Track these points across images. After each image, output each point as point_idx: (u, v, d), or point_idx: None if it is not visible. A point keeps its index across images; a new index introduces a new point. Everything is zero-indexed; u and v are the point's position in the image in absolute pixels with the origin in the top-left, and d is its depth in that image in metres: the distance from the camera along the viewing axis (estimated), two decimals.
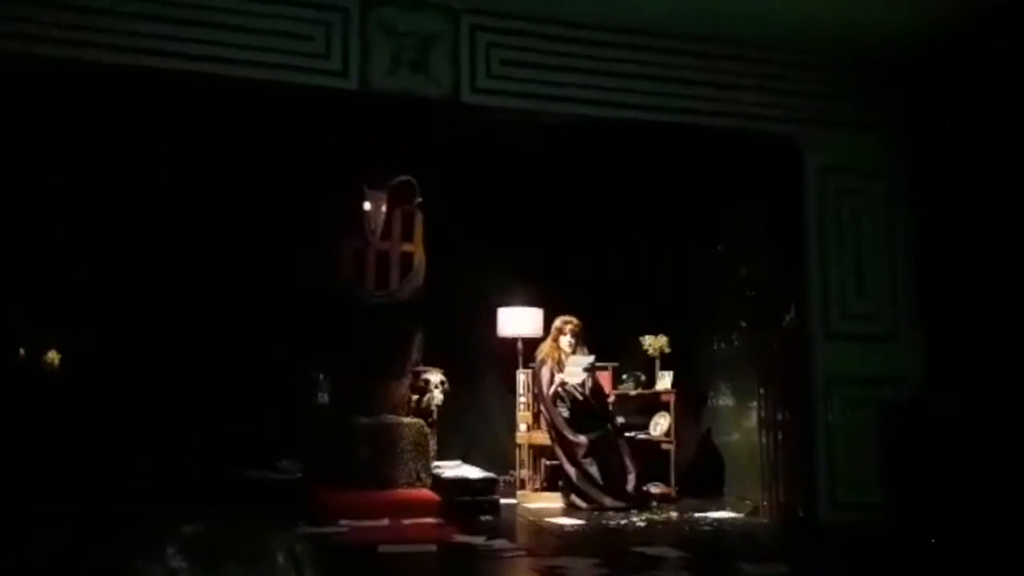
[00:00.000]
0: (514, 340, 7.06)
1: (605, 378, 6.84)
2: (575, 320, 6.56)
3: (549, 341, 6.62)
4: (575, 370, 6.46)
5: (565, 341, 6.56)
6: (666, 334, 6.87)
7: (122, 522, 4.21)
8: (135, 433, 5.79)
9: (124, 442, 5.67)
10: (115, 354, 6.13)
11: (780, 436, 5.75)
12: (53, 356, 6.57)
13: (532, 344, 6.99)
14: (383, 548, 4.68)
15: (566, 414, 6.43)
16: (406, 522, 5.47)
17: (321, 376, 6.30)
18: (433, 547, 4.88)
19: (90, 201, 6.06)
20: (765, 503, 5.86)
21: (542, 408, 6.54)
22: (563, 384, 6.43)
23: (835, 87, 5.54)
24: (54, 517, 4.64)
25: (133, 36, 4.42)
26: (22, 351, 6.13)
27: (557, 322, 6.60)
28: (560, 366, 6.54)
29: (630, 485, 6.26)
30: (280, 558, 0.91)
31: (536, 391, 6.64)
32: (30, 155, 5.55)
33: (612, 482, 6.24)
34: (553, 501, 6.40)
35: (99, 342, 6.14)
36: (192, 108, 5.40)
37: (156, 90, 4.97)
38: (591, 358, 6.54)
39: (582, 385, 6.45)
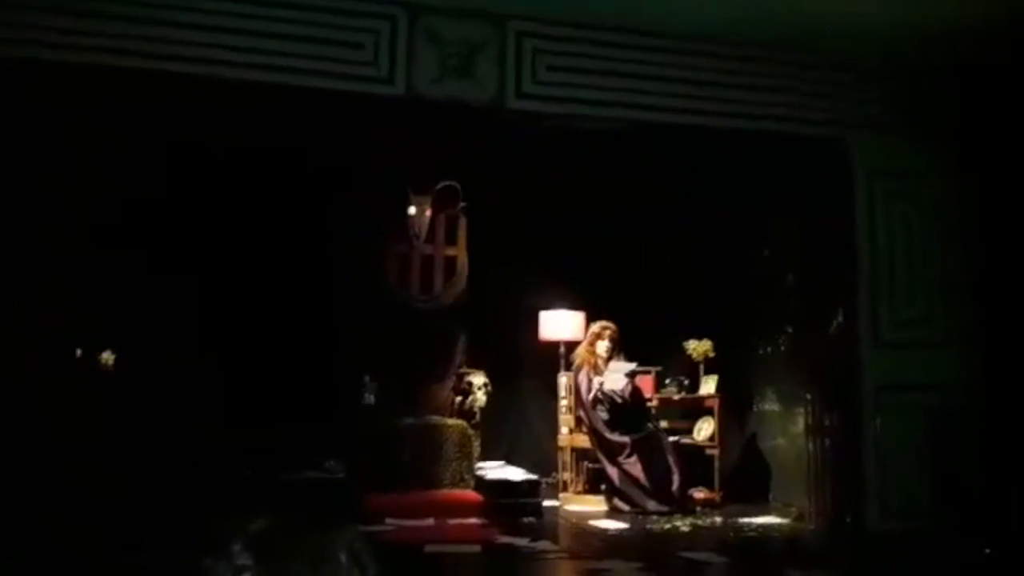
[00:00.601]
0: (556, 343, 7.08)
1: (647, 382, 6.81)
2: (612, 325, 6.52)
3: (585, 345, 6.59)
4: (616, 376, 6.44)
5: (602, 346, 6.52)
6: (710, 338, 6.83)
7: (185, 521, 4.34)
8: (185, 433, 5.93)
9: (174, 442, 5.81)
10: (166, 355, 6.29)
11: (827, 442, 5.68)
12: (108, 356, 6.76)
13: (573, 347, 6.99)
14: (429, 547, 4.74)
15: (606, 416, 6.42)
16: (451, 522, 5.53)
17: (367, 377, 6.38)
18: (478, 548, 4.93)
19: (144, 206, 6.22)
20: (811, 509, 5.79)
21: (582, 413, 6.54)
22: (602, 387, 6.41)
23: (886, 90, 5.46)
24: (115, 514, 4.78)
25: (184, 45, 4.52)
26: (79, 351, 6.31)
27: (595, 327, 6.58)
28: (597, 370, 6.52)
29: (674, 486, 6.22)
30: (342, 556, 0.94)
31: (575, 395, 6.61)
32: (83, 160, 5.71)
33: (656, 484, 6.22)
34: (596, 504, 6.40)
35: (151, 343, 6.30)
36: (241, 115, 5.52)
37: (205, 97, 5.09)
38: (632, 365, 6.50)
39: (622, 390, 6.43)
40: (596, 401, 6.45)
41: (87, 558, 4.05)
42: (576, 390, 6.58)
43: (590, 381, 6.49)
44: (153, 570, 3.62)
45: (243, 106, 5.24)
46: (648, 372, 6.80)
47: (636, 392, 6.49)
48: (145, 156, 5.91)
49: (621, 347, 6.58)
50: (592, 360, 6.54)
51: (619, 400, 6.41)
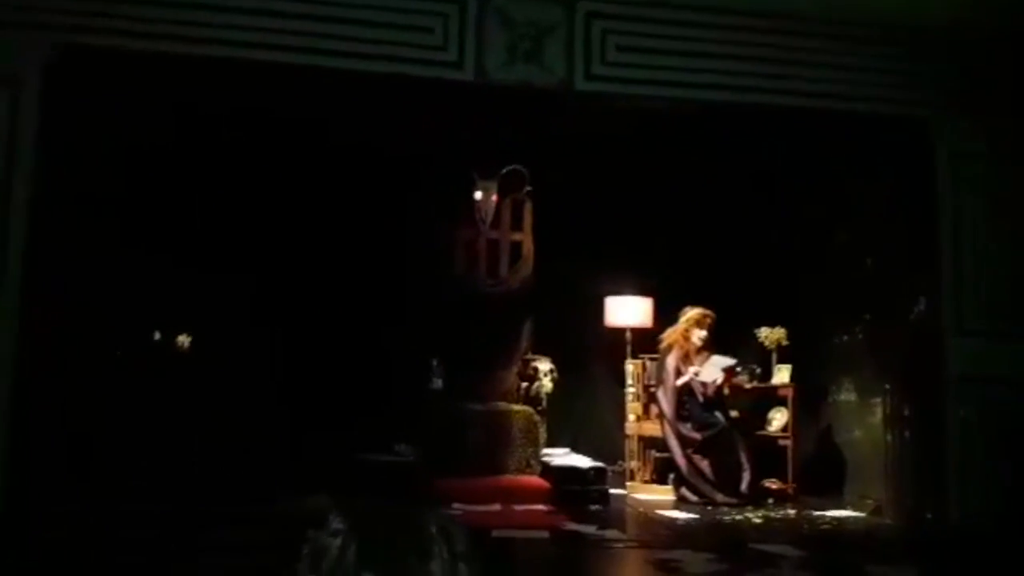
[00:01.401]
0: (623, 330, 6.99)
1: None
2: (712, 314, 6.30)
3: (679, 330, 6.38)
4: (713, 369, 6.27)
5: (699, 335, 6.33)
6: (784, 326, 6.64)
7: (267, 500, 4.45)
8: (259, 417, 6.05)
9: (249, 425, 5.93)
10: (242, 340, 6.42)
11: (907, 434, 5.49)
12: (183, 339, 6.94)
13: (640, 334, 6.90)
14: (496, 532, 4.73)
15: (686, 408, 6.30)
16: (517, 508, 5.53)
17: (435, 363, 6.42)
18: (545, 534, 4.92)
19: (220, 195, 6.35)
20: (889, 503, 5.61)
21: (659, 395, 6.38)
22: (696, 376, 6.26)
23: (971, 70, 5.18)
24: (201, 492, 4.92)
25: (254, 32, 4.59)
26: (157, 334, 6.50)
27: (693, 313, 6.34)
28: (688, 358, 6.36)
29: (744, 484, 6.09)
30: (432, 527, 0.94)
31: (658, 378, 6.47)
32: (158, 151, 5.84)
33: (725, 479, 6.10)
34: (663, 493, 6.32)
35: (229, 329, 6.45)
36: (311, 101, 5.58)
37: (274, 85, 5.16)
38: (732, 361, 6.32)
39: (710, 384, 6.28)
40: (683, 390, 6.31)
41: (183, 531, 4.17)
42: (661, 372, 6.42)
43: (678, 367, 6.33)
44: (249, 543, 3.70)
45: (313, 92, 5.30)
46: (744, 371, 6.60)
47: (718, 388, 6.34)
48: (220, 145, 6.01)
49: (713, 337, 6.39)
50: (685, 346, 6.37)
51: (700, 395, 6.28)
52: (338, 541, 0.92)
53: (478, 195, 6.67)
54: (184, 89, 5.11)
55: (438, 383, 6.42)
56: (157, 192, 5.94)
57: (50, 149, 4.43)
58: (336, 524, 0.94)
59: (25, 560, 3.35)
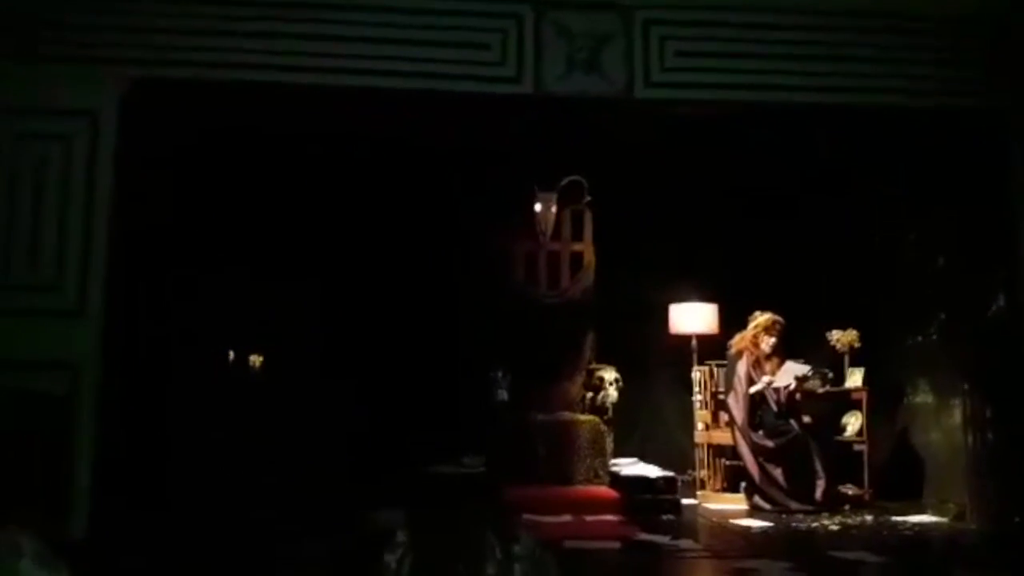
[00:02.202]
0: (687, 337, 6.93)
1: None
2: (781, 320, 6.22)
3: (748, 336, 6.31)
4: (787, 376, 6.18)
5: (769, 341, 6.25)
6: (856, 328, 6.49)
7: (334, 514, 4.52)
8: (328, 430, 6.17)
9: (319, 441, 6.05)
10: (307, 354, 6.56)
11: (990, 435, 5.30)
12: (256, 359, 7.13)
13: (706, 341, 6.83)
14: (568, 543, 4.72)
15: (758, 416, 6.20)
16: (588, 519, 5.51)
17: (500, 374, 6.46)
18: (617, 544, 4.88)
19: (287, 213, 6.52)
20: (972, 508, 5.42)
21: (730, 402, 6.31)
22: (770, 385, 6.17)
23: None
24: (270, 508, 5.04)
25: (315, 57, 4.71)
26: (232, 354, 6.69)
27: (763, 319, 6.27)
28: (759, 365, 6.28)
29: (819, 492, 5.97)
30: (489, 535, 0.95)
31: (727, 386, 6.39)
32: (229, 174, 6.03)
33: (798, 486, 5.98)
34: (735, 502, 6.23)
35: (294, 344, 6.60)
36: (372, 120, 5.69)
37: (338, 107, 5.28)
38: (807, 368, 6.21)
39: (783, 390, 6.18)
40: (756, 398, 6.22)
41: (247, 549, 4.27)
42: (731, 379, 6.34)
43: (753, 375, 6.25)
44: (313, 560, 3.77)
45: (374, 112, 5.40)
46: (815, 376, 6.47)
47: (791, 395, 6.23)
48: (286, 166, 6.18)
49: (784, 342, 6.30)
50: (756, 352, 6.29)
51: (773, 403, 6.18)
52: (409, 558, 0.94)
53: (538, 207, 6.72)
54: (255, 114, 5.27)
55: (503, 394, 6.46)
56: (228, 213, 6.12)
57: (127, 177, 4.61)
58: (404, 539, 0.96)
59: None
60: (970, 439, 5.48)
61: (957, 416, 5.72)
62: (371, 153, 6.31)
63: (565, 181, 6.63)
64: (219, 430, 5.76)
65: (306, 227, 6.62)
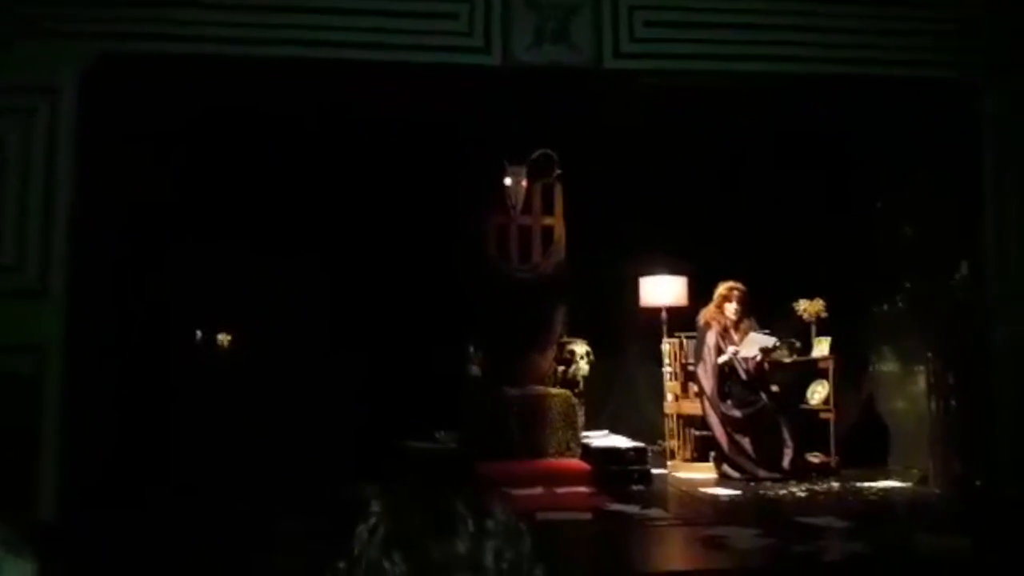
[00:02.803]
0: (657, 309, 6.97)
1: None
2: (739, 286, 6.29)
3: (712, 307, 6.38)
4: (752, 347, 6.25)
5: (731, 308, 6.31)
6: (822, 297, 6.57)
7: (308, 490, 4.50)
8: (299, 405, 6.13)
9: (289, 415, 6.02)
10: (278, 330, 6.50)
11: (953, 402, 5.41)
12: (224, 338, 7.05)
13: (676, 313, 6.88)
14: (540, 515, 4.76)
15: (727, 386, 6.28)
16: (559, 491, 5.55)
17: (472, 349, 6.45)
18: (588, 515, 4.93)
19: (255, 189, 6.42)
20: (935, 473, 5.55)
21: (699, 373, 6.37)
22: (736, 354, 6.24)
23: (1017, 27, 5.05)
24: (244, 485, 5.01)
25: (279, 29, 4.62)
26: (199, 333, 6.60)
27: (721, 288, 6.35)
28: (728, 335, 6.34)
29: (786, 460, 6.07)
30: (460, 507, 0.95)
31: (697, 357, 6.44)
32: (206, 146, 5.91)
33: (766, 455, 6.08)
34: (705, 471, 6.31)
35: (265, 322, 6.53)
36: (340, 93, 5.60)
37: (303, 80, 5.19)
38: (773, 340, 6.28)
39: (749, 361, 6.25)
40: (724, 368, 6.29)
41: (220, 527, 4.25)
42: (700, 350, 6.39)
43: (719, 344, 6.31)
44: (293, 536, 3.76)
45: (341, 85, 5.31)
46: (783, 346, 6.53)
47: (759, 365, 6.31)
48: (250, 139, 6.08)
49: (749, 309, 6.35)
50: (723, 322, 6.35)
51: (742, 372, 6.26)
52: (381, 529, 0.93)
53: (508, 181, 6.68)
54: (218, 87, 5.16)
55: (475, 369, 6.46)
56: (198, 189, 6.02)
57: (89, 154, 4.51)
58: (377, 511, 0.96)
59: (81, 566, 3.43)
60: (933, 406, 5.59)
61: (921, 384, 5.83)
62: (340, 127, 6.21)
63: (535, 154, 6.59)
64: (191, 408, 5.71)
65: (277, 203, 6.52)
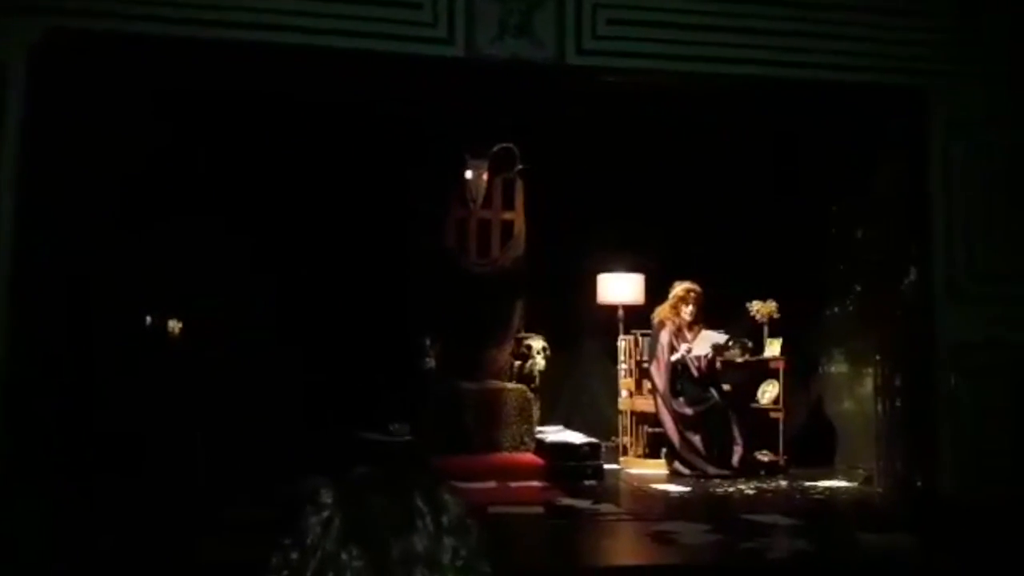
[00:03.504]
0: (615, 306, 7.02)
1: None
2: (697, 288, 6.36)
3: (668, 307, 6.44)
4: (704, 344, 6.32)
5: (687, 310, 6.37)
6: (775, 299, 6.68)
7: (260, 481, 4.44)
8: (252, 394, 6.04)
9: (241, 403, 5.93)
10: (229, 320, 6.40)
11: (898, 403, 5.54)
12: (174, 325, 6.90)
13: (632, 311, 6.94)
14: (492, 509, 4.76)
15: (679, 384, 6.35)
16: (512, 485, 5.57)
17: (428, 342, 6.42)
18: (540, 509, 4.95)
19: (209, 175, 6.30)
20: (880, 473, 5.68)
21: (652, 371, 6.44)
22: (689, 352, 6.31)
23: (967, 34, 5.19)
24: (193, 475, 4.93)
25: (239, 11, 4.54)
26: (148, 319, 6.46)
27: (679, 289, 6.40)
28: (681, 334, 6.41)
29: (736, 458, 6.17)
30: (418, 500, 0.93)
31: (651, 355, 6.50)
32: (149, 130, 5.79)
33: (716, 452, 6.17)
34: (656, 467, 6.38)
35: (215, 310, 6.42)
36: (301, 80, 5.53)
37: (261, 65, 5.10)
38: (724, 337, 6.37)
39: (703, 358, 6.33)
40: (677, 366, 6.35)
41: (173, 513, 4.18)
42: (654, 348, 6.45)
43: (672, 343, 6.37)
44: (242, 525, 3.71)
45: (302, 71, 5.24)
46: (735, 345, 6.62)
47: (711, 363, 6.39)
48: (207, 125, 5.97)
49: (704, 310, 6.43)
50: (677, 322, 6.42)
51: (695, 373, 6.33)
52: (337, 522, 0.91)
53: (469, 174, 6.65)
54: (172, 69, 5.05)
55: (431, 362, 6.43)
56: (149, 173, 5.89)
57: (39, 133, 4.38)
58: (330, 503, 0.94)
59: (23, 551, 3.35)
60: (880, 407, 5.71)
61: (869, 386, 5.95)
62: (298, 114, 6.13)
63: (497, 148, 6.58)
64: (141, 395, 5.59)
65: (233, 190, 6.41)
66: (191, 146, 6.09)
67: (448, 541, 0.92)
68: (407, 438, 6.14)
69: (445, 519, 0.93)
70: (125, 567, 3.51)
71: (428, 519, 0.92)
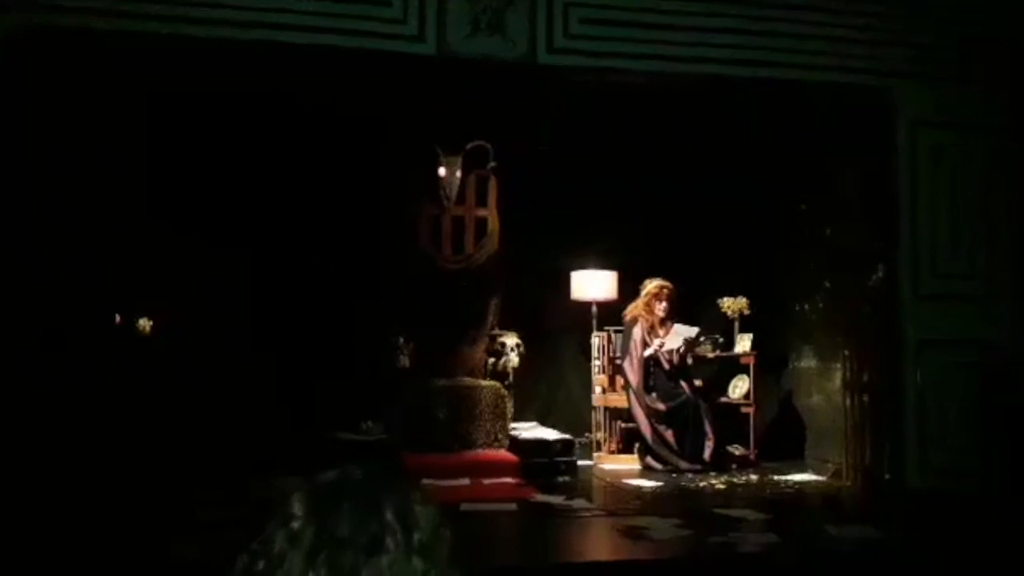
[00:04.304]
0: (588, 303, 7.05)
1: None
2: (670, 285, 6.43)
3: (642, 304, 6.49)
4: (676, 338, 6.38)
5: (660, 307, 6.44)
6: (746, 295, 6.75)
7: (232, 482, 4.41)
8: (224, 393, 6.00)
9: (213, 402, 5.89)
10: (204, 318, 6.35)
11: (866, 398, 5.63)
12: (145, 323, 6.83)
13: (606, 307, 6.98)
14: (465, 506, 4.77)
15: (652, 379, 6.40)
16: (486, 482, 5.57)
17: (401, 339, 6.40)
18: (513, 506, 4.96)
19: (182, 170, 6.24)
20: (848, 467, 5.77)
21: (625, 367, 6.48)
22: (661, 347, 6.36)
23: (933, 36, 5.28)
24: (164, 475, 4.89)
25: (210, 8, 4.51)
26: (118, 317, 6.39)
27: (652, 286, 6.46)
28: (654, 330, 6.46)
29: (707, 452, 6.23)
30: (388, 514, 0.92)
31: (623, 351, 6.55)
32: (118, 126, 5.73)
33: (688, 447, 6.23)
34: (630, 463, 6.43)
35: (189, 307, 6.36)
36: (271, 79, 5.49)
37: (234, 62, 5.06)
38: (695, 330, 6.43)
39: (673, 352, 6.38)
40: (649, 361, 6.39)
41: (140, 517, 4.14)
42: (627, 344, 6.50)
43: (645, 339, 6.41)
44: (215, 525, 3.69)
45: (272, 68, 5.21)
46: (699, 343, 6.68)
47: (682, 357, 6.44)
48: (179, 123, 5.91)
49: (675, 307, 6.49)
50: (650, 319, 6.46)
51: (666, 366, 6.38)
52: (308, 532, 0.90)
53: (442, 171, 6.62)
54: (138, 67, 5.00)
55: (404, 360, 6.42)
56: (121, 171, 5.82)
57: (10, 129, 4.32)
58: (290, 505, 0.93)
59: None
60: (848, 402, 5.80)
61: (837, 380, 6.04)
62: (270, 111, 6.08)
63: (470, 145, 6.56)
64: (110, 394, 5.53)
65: (205, 188, 6.35)
66: (164, 143, 6.02)
67: (417, 562, 0.90)
68: (380, 436, 6.12)
69: (416, 537, 0.91)
70: (97, 566, 3.48)
71: (399, 536, 0.90)
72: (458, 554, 0.95)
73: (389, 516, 0.91)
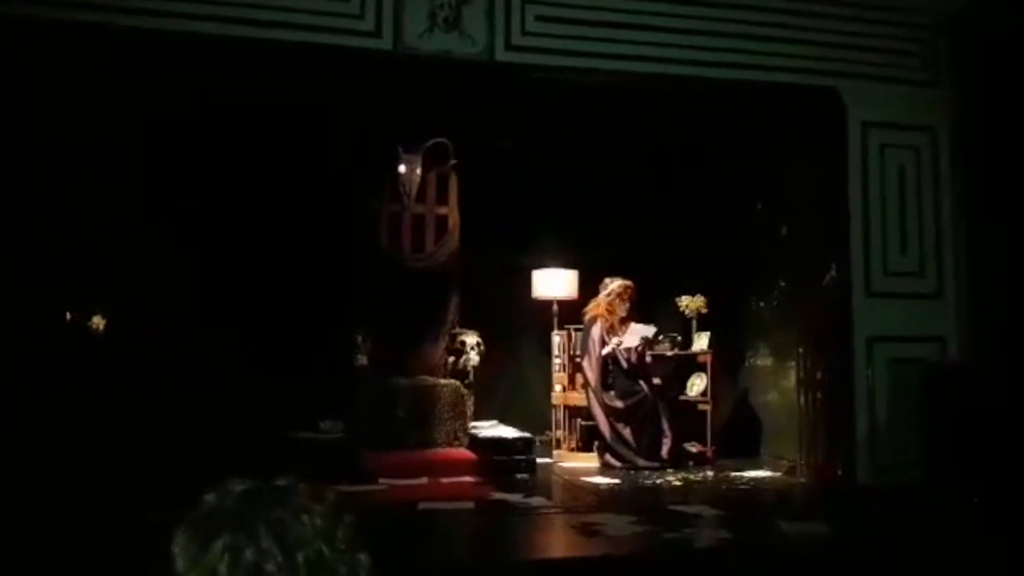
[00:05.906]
0: (549, 302, 7.06)
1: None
2: (632, 285, 6.48)
3: (604, 303, 6.51)
4: (634, 337, 6.42)
5: (623, 308, 6.48)
6: (703, 294, 6.82)
7: (181, 482, 4.32)
8: (177, 393, 5.91)
9: (170, 403, 5.79)
10: (157, 316, 6.24)
11: (819, 395, 5.72)
12: (98, 321, 6.70)
13: (567, 306, 7.00)
14: (422, 505, 4.76)
15: (610, 377, 6.44)
16: (444, 480, 5.56)
17: (360, 338, 6.36)
18: (471, 504, 4.96)
19: (133, 165, 6.13)
20: (802, 463, 5.85)
21: (584, 365, 6.51)
22: (619, 345, 6.40)
23: (882, 39, 5.38)
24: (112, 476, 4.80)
25: (168, 1, 4.44)
26: (68, 315, 6.25)
27: (615, 286, 6.49)
28: (613, 329, 6.49)
29: (665, 449, 6.29)
30: (265, 541, 0.91)
31: (583, 349, 6.57)
32: (71, 123, 5.61)
33: (646, 445, 6.27)
34: (588, 460, 6.46)
35: (143, 304, 6.25)
36: (227, 73, 5.42)
37: (191, 56, 4.99)
38: (654, 330, 6.48)
39: (631, 351, 6.42)
40: (607, 360, 6.42)
41: (85, 522, 4.06)
42: (586, 343, 6.53)
43: (604, 337, 6.45)
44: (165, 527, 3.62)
45: (228, 64, 5.14)
46: (660, 342, 6.73)
47: (640, 355, 6.48)
48: (136, 118, 5.81)
49: (635, 306, 6.53)
50: (610, 319, 6.49)
51: (624, 364, 6.42)
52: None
53: (402, 169, 6.60)
54: (100, 58, 4.90)
55: (363, 359, 6.37)
56: (77, 166, 5.71)
57: None
58: (212, 514, 0.93)
59: None
60: (802, 399, 5.89)
61: (792, 378, 6.13)
62: (228, 106, 5.99)
63: (430, 143, 6.54)
64: (60, 393, 5.41)
65: (163, 185, 6.24)
66: (116, 141, 5.91)
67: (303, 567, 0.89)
68: (339, 435, 6.07)
69: (300, 556, 0.90)
70: (45, 567, 3.41)
71: (279, 558, 0.89)
72: (361, 539, 0.94)
73: (266, 542, 0.90)
